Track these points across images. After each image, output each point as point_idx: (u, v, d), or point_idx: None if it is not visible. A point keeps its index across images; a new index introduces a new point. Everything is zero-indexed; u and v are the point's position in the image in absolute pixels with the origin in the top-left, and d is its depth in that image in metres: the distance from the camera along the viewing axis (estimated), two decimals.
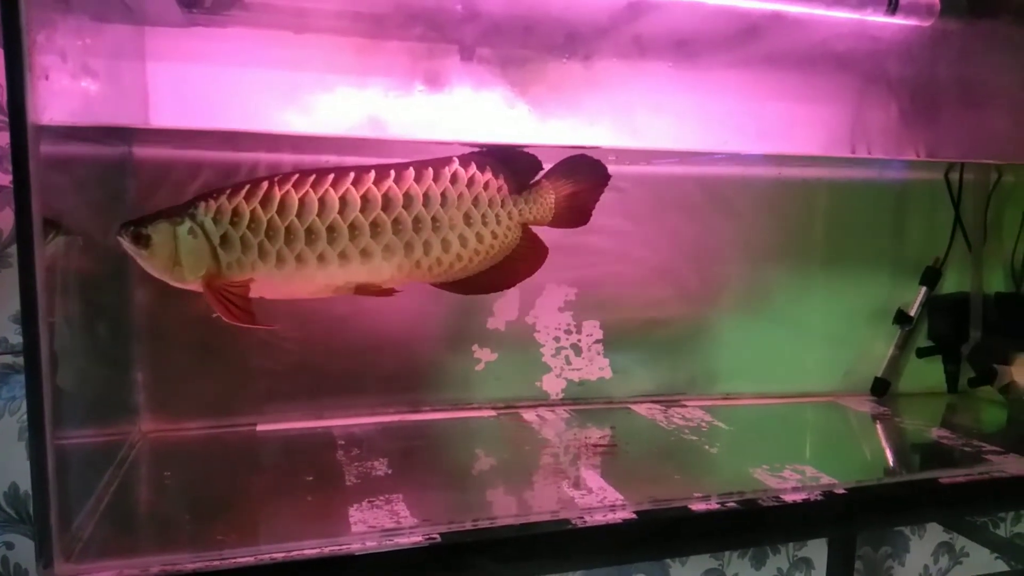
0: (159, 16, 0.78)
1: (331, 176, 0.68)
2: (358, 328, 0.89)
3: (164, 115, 0.80)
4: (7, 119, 0.71)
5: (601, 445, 0.82)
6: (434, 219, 0.70)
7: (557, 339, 0.96)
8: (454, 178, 0.71)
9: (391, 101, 0.86)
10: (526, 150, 0.76)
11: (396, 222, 0.69)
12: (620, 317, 0.97)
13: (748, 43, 0.88)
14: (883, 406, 1.04)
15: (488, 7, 0.83)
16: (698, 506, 0.67)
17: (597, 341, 0.97)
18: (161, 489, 0.70)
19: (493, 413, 0.94)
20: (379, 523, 0.61)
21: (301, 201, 0.67)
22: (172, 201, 0.70)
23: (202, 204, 0.66)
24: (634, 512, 0.65)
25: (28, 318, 0.51)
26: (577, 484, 0.71)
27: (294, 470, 0.73)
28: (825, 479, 0.74)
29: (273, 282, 0.67)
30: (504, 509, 0.67)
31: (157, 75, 0.80)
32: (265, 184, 0.67)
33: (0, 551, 0.85)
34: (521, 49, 0.92)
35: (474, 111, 0.89)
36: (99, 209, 0.73)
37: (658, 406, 0.98)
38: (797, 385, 1.04)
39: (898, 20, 0.81)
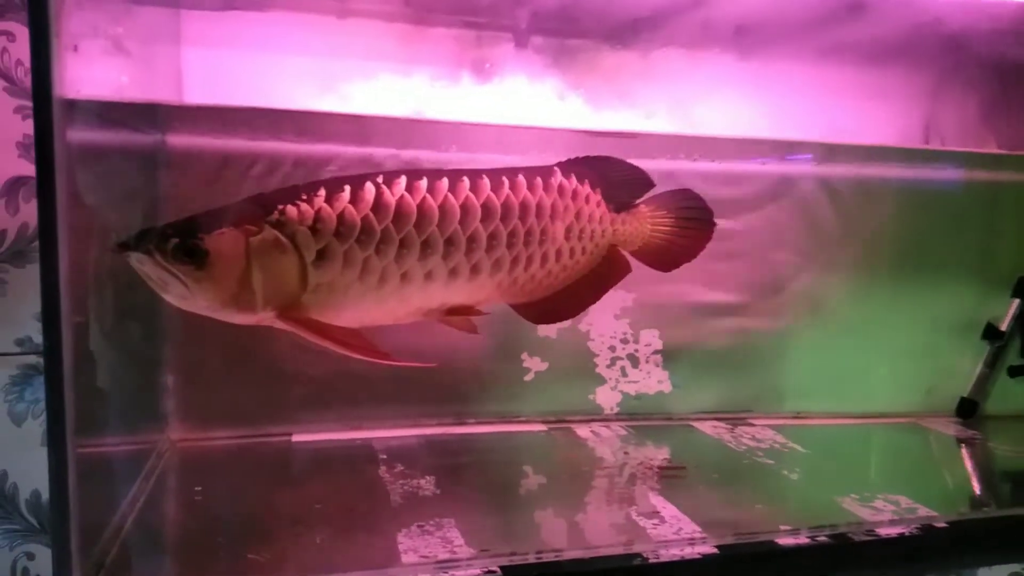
0: None
1: (445, 180, 0.59)
2: (399, 334, 0.83)
3: (198, 100, 0.76)
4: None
5: (668, 467, 0.75)
6: (543, 232, 0.64)
7: (612, 348, 0.90)
8: (560, 189, 0.65)
9: (437, 91, 0.82)
10: (635, 165, 0.70)
11: (511, 235, 0.62)
12: (681, 326, 0.91)
13: (835, 27, 0.81)
14: (971, 429, 0.95)
15: None
16: (786, 540, 0.60)
17: (656, 352, 0.91)
18: (192, 506, 0.65)
19: (543, 428, 0.87)
20: (432, 553, 0.55)
21: (420, 208, 0.57)
22: (211, 197, 0.64)
23: (291, 208, 0.53)
24: (715, 546, 0.58)
25: (49, 316, 0.46)
26: (646, 512, 0.64)
27: (335, 487, 0.68)
28: (923, 511, 0.67)
29: (362, 306, 0.57)
30: (568, 539, 0.60)
31: (192, 59, 0.76)
32: (370, 186, 0.56)
33: (20, 562, 0.80)
34: (575, 38, 0.87)
35: (523, 102, 0.83)
36: (128, 200, 0.68)
37: (723, 424, 0.91)
38: (874, 404, 0.96)
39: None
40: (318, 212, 0.54)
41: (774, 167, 0.93)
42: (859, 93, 0.95)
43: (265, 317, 0.55)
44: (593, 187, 0.67)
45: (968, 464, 0.86)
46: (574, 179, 0.66)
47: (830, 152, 0.91)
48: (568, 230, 0.65)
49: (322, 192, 0.55)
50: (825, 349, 0.95)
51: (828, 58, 0.91)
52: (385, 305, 0.58)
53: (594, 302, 0.70)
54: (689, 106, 0.89)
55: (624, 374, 0.90)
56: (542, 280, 0.65)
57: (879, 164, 0.94)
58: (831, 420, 0.94)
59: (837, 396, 0.95)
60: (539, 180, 0.64)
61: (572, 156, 0.68)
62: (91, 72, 0.51)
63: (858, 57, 0.92)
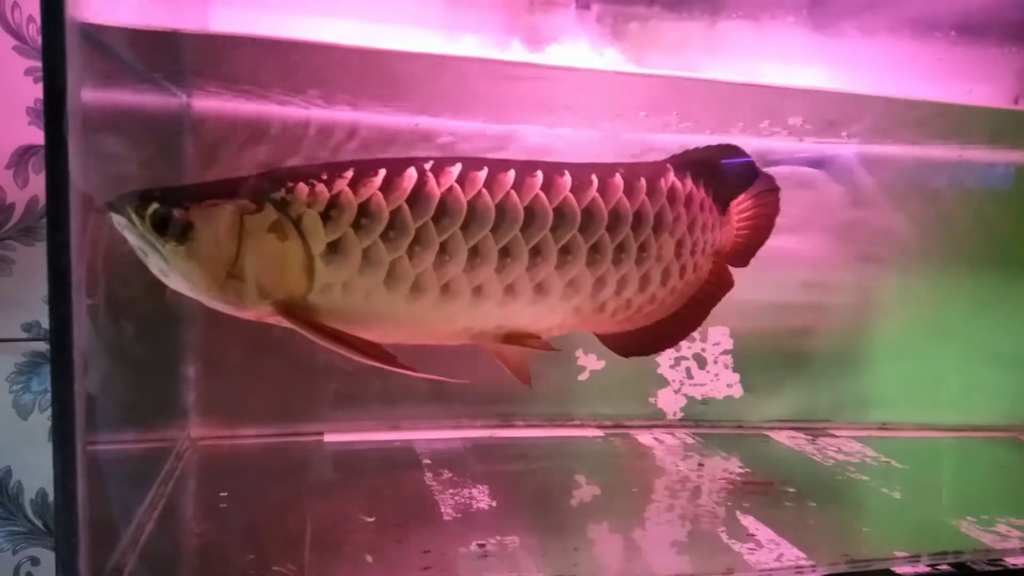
0: None
1: (511, 172, 0.49)
2: None
3: (227, 63, 0.69)
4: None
5: (753, 483, 0.67)
6: (641, 247, 0.52)
7: (677, 347, 0.82)
8: (672, 194, 0.53)
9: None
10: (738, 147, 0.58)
11: (594, 249, 0.51)
12: (754, 324, 0.83)
13: None
14: None
15: None
16: (904, 569, 0.53)
17: (725, 352, 0.83)
18: (217, 515, 0.58)
19: (600, 433, 0.80)
20: None
21: (472, 207, 0.47)
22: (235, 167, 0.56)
23: (302, 187, 0.45)
24: None
25: (57, 294, 0.39)
26: (737, 534, 0.56)
27: (377, 496, 0.61)
28: None
29: (391, 318, 0.48)
30: (654, 566, 0.52)
31: (221, 21, 0.69)
32: (412, 172, 0.47)
33: (24, 567, 0.75)
34: (636, 6, 0.79)
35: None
36: (149, 171, 0.62)
37: (802, 435, 0.83)
38: (969, 416, 0.88)
39: None
40: (336, 196, 0.45)
41: (854, 147, 0.84)
42: (945, 70, 0.87)
43: (262, 312, 0.46)
44: (707, 189, 0.56)
45: None
46: (689, 181, 0.55)
47: (923, 129, 0.82)
48: (680, 244, 0.54)
49: (349, 173, 0.46)
50: (917, 354, 0.87)
51: (911, 31, 0.83)
52: (422, 321, 0.49)
53: (697, 326, 0.59)
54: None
55: (689, 375, 0.83)
56: (643, 307, 0.54)
57: (978, 147, 0.85)
58: (921, 432, 0.87)
59: (928, 406, 0.87)
60: (642, 182, 0.52)
61: (684, 147, 0.57)
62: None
63: (945, 31, 0.84)
